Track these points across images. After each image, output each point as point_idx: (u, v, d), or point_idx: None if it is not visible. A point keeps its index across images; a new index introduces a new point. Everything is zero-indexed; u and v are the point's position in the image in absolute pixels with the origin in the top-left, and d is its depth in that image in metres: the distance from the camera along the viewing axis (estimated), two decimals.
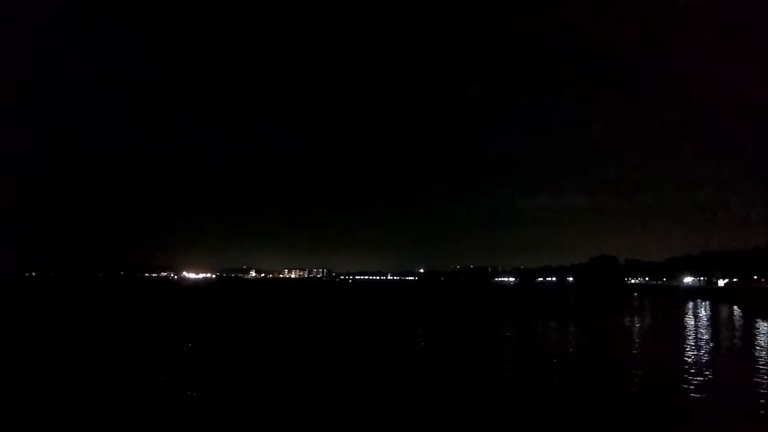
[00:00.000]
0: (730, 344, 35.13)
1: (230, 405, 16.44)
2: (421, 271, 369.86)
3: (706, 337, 37.36)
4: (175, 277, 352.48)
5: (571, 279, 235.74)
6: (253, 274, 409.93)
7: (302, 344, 31.23)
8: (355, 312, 61.69)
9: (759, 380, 20.93)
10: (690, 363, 24.88)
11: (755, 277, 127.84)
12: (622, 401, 17.92)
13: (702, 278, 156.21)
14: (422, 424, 14.94)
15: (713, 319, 55.96)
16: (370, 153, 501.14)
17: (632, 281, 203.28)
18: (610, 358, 28.31)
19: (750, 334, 40.80)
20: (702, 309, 72.03)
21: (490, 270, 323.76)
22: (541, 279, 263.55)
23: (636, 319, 55.32)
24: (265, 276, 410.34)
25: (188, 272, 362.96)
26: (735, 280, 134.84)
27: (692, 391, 18.93)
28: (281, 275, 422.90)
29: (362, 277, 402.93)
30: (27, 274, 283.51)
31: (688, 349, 30.04)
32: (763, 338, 37.18)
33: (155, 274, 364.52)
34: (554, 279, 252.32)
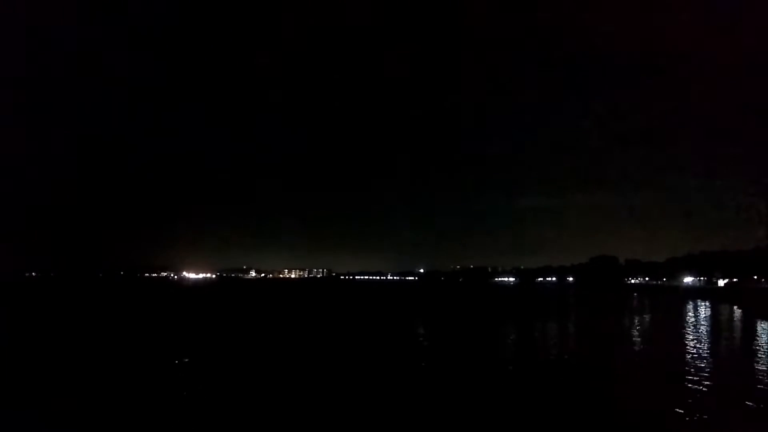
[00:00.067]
0: (730, 344, 35.13)
1: (230, 404, 16.44)
2: (421, 271, 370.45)
3: (706, 337, 37.35)
4: (175, 277, 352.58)
5: (571, 279, 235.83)
6: (253, 274, 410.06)
7: (303, 344, 31.21)
8: (356, 312, 61.67)
9: (759, 380, 20.93)
10: (690, 363, 24.87)
11: (755, 277, 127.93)
12: (622, 401, 17.92)
13: (702, 278, 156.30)
14: (423, 424, 14.94)
15: (713, 319, 55.95)
16: (370, 153, 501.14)
17: (632, 281, 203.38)
18: (610, 358, 28.31)
19: (750, 334, 40.80)
20: (702, 309, 72.02)
21: (490, 270, 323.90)
22: (541, 279, 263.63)
23: (636, 319, 55.31)
24: (265, 276, 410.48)
25: (188, 272, 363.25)
26: (735, 280, 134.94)
27: (692, 391, 18.93)
28: (281, 275, 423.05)
29: (362, 277, 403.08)
30: (27, 274, 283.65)
31: (688, 349, 30.04)
32: (763, 338, 37.18)
33: (155, 274, 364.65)
34: (554, 279, 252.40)
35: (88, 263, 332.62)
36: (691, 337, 36.71)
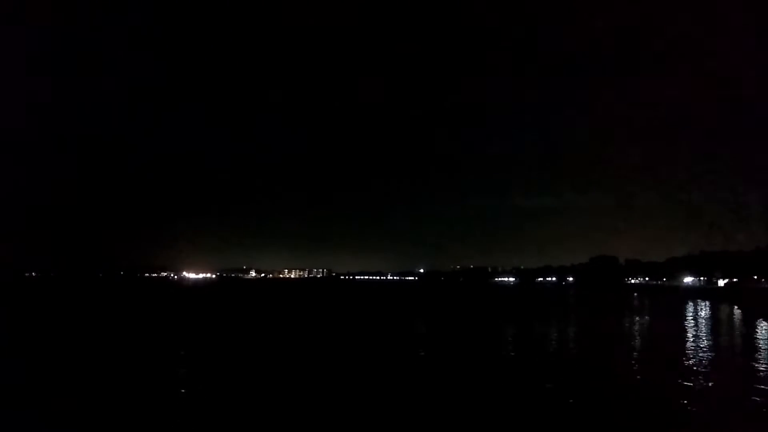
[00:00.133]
0: (730, 344, 35.12)
1: (230, 405, 16.44)
2: (421, 271, 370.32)
3: (706, 337, 37.34)
4: (175, 277, 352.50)
5: (571, 279, 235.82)
6: (253, 274, 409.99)
7: (303, 344, 31.21)
8: (356, 312, 61.67)
9: (759, 380, 20.93)
10: (690, 363, 24.87)
11: (755, 277, 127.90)
12: (621, 401, 17.91)
13: (702, 278, 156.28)
14: (423, 424, 14.94)
15: (713, 319, 55.95)
16: (370, 153, 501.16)
17: (632, 281, 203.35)
18: (610, 358, 28.30)
19: (750, 334, 40.80)
20: (702, 309, 72.02)
21: (490, 270, 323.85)
22: (541, 279, 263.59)
23: (636, 319, 55.31)
24: (265, 276, 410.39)
25: (188, 272, 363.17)
26: (735, 280, 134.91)
27: (692, 391, 18.92)
28: (281, 275, 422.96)
29: (362, 277, 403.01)
30: (27, 274, 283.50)
31: (687, 349, 30.04)
32: (763, 338, 37.17)
33: (155, 274, 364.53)
34: (554, 279, 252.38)
35: (88, 263, 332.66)
36: (691, 337, 36.71)
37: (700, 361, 25.64)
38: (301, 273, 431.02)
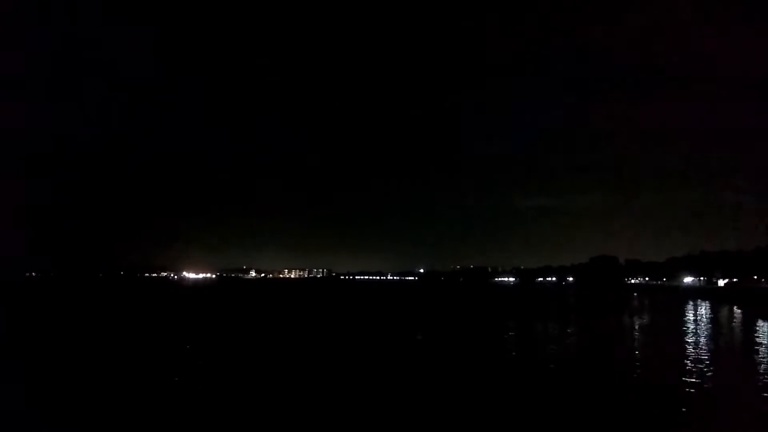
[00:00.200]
0: (730, 344, 35.13)
1: (230, 405, 16.44)
2: (421, 271, 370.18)
3: (705, 337, 37.35)
4: (175, 277, 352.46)
5: (571, 279, 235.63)
6: (253, 274, 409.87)
7: (303, 345, 31.21)
8: (356, 312, 61.66)
9: (759, 380, 20.93)
10: (690, 363, 24.86)
11: (755, 277, 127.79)
12: (622, 401, 17.91)
13: (702, 278, 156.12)
14: (423, 424, 14.93)
15: (713, 319, 55.95)
16: (370, 153, 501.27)
17: (632, 281, 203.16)
18: (610, 358, 28.31)
19: (750, 334, 40.80)
20: (702, 309, 72.01)
21: (490, 270, 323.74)
22: (541, 279, 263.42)
23: (636, 319, 55.31)
24: (265, 276, 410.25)
25: (188, 272, 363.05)
26: (735, 280, 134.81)
27: (692, 391, 18.92)
28: (281, 275, 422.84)
29: (362, 277, 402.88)
30: (27, 274, 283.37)
31: (688, 349, 30.03)
32: (763, 338, 37.16)
33: (155, 274, 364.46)
34: (554, 279, 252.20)
35: (88, 263, 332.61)
36: (691, 337, 36.71)
37: (700, 361, 25.63)
38: (301, 273, 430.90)
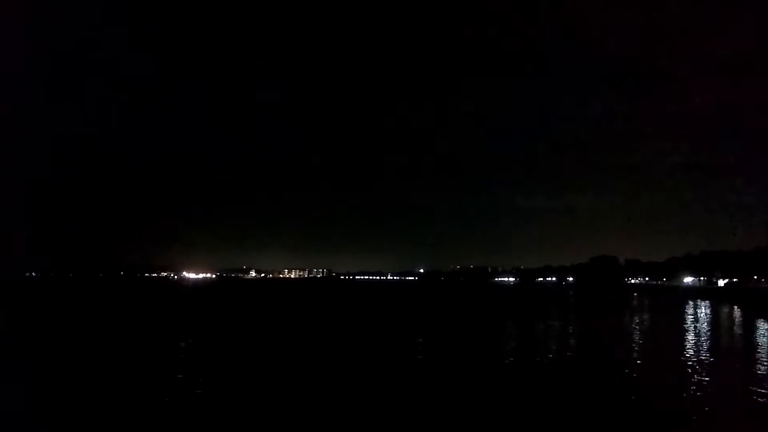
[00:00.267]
0: (730, 344, 35.12)
1: (230, 405, 16.44)
2: (421, 271, 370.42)
3: (705, 337, 37.35)
4: (175, 277, 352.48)
5: (571, 279, 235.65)
6: (253, 274, 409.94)
7: (303, 345, 31.21)
8: (356, 312, 61.66)
9: (759, 380, 20.93)
10: (690, 363, 24.87)
11: (755, 277, 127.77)
12: (622, 401, 17.91)
13: (702, 278, 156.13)
14: (423, 425, 14.93)
15: (713, 319, 55.96)
16: (370, 153, 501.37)
17: (632, 281, 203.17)
18: (610, 358, 28.30)
19: (750, 334, 40.81)
20: (702, 309, 72.02)
21: (490, 270, 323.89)
22: (541, 279, 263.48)
23: (636, 319, 55.31)
24: (265, 276, 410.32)
25: (188, 272, 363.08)
26: (735, 280, 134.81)
27: (692, 391, 18.93)
28: (281, 275, 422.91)
29: (362, 277, 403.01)
30: (27, 274, 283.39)
31: (688, 349, 30.03)
32: (763, 338, 37.16)
33: (155, 274, 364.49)
34: (554, 279, 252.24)
35: (88, 263, 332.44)
36: (691, 337, 36.71)
37: (700, 361, 25.64)
38: (301, 273, 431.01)
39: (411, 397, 17.71)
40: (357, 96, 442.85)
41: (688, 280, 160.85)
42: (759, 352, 29.06)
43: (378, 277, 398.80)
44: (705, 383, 20.28)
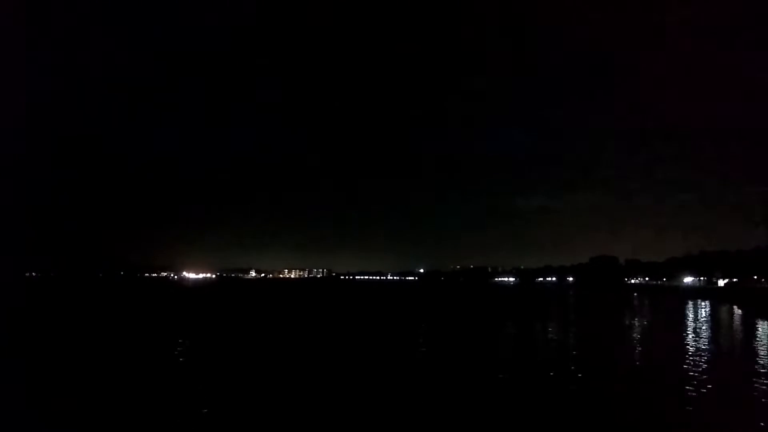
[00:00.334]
0: (730, 344, 35.11)
1: (230, 404, 16.44)
2: (421, 271, 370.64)
3: (706, 337, 37.34)
4: (175, 277, 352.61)
5: (571, 279, 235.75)
6: (253, 274, 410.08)
7: (303, 345, 31.21)
8: (356, 312, 61.66)
9: (759, 380, 20.92)
10: (690, 363, 24.86)
11: (755, 277, 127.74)
12: (622, 401, 17.91)
13: (702, 278, 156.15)
14: (423, 425, 14.94)
15: (713, 319, 55.95)
16: (370, 153, 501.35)
17: (632, 281, 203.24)
18: (610, 358, 28.29)
19: (750, 334, 40.80)
20: (702, 309, 72.02)
21: (490, 270, 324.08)
22: (541, 279, 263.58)
23: (636, 319, 55.30)
24: (265, 276, 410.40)
25: (188, 272, 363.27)
26: (735, 280, 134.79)
27: (692, 391, 18.92)
28: (281, 275, 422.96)
29: (362, 277, 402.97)
30: (27, 274, 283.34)
31: (688, 349, 30.02)
32: (763, 338, 37.16)
33: (155, 274, 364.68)
34: (554, 279, 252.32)
35: (88, 263, 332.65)
36: (691, 337, 36.70)
37: (700, 361, 25.63)
38: (301, 273, 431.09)
39: (411, 398, 17.70)
40: (357, 96, 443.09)
41: (688, 280, 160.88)
42: (759, 352, 29.05)
43: (378, 277, 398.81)
44: (705, 383, 20.26)
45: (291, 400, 17.29)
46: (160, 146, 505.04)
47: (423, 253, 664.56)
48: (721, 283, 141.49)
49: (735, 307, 75.21)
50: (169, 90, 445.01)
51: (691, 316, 58.90)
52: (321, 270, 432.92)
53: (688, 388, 19.37)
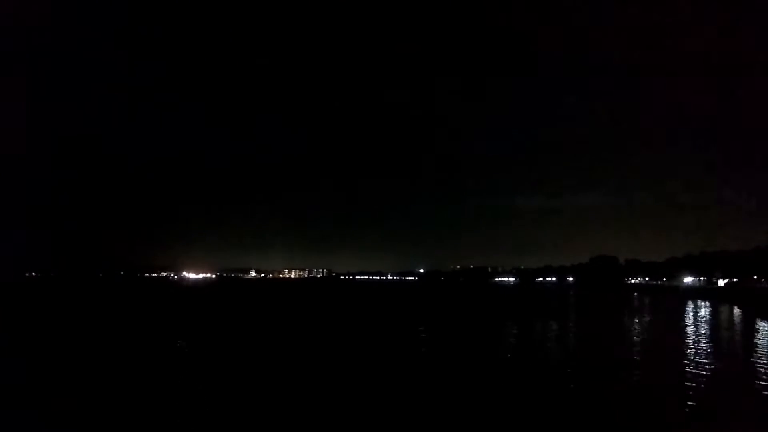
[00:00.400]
0: (730, 344, 35.10)
1: (230, 404, 16.44)
2: (421, 271, 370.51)
3: (706, 337, 37.33)
4: (175, 277, 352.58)
5: (571, 279, 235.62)
6: (253, 274, 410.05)
7: (303, 345, 31.21)
8: (356, 312, 61.66)
9: (759, 380, 20.93)
10: (690, 363, 24.86)
11: (755, 277, 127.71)
12: (622, 401, 17.91)
13: (702, 278, 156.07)
14: (423, 425, 14.93)
15: (713, 319, 55.94)
16: (369, 153, 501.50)
17: (632, 281, 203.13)
18: (610, 358, 28.29)
19: (750, 334, 40.79)
20: (702, 309, 72.01)
21: (490, 270, 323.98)
22: (541, 279, 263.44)
23: (636, 319, 55.30)
24: (265, 276, 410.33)
25: (188, 272, 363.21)
26: (735, 280, 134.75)
27: (692, 391, 18.92)
28: (281, 275, 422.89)
29: (362, 277, 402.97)
30: (27, 274, 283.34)
31: (688, 349, 30.03)
32: (763, 338, 37.16)
33: (155, 274, 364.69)
34: (554, 279, 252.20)
35: (88, 263, 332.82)
36: (690, 337, 36.70)
37: (700, 361, 25.62)
38: (301, 273, 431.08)
39: (411, 398, 17.70)
40: (357, 96, 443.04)
41: (688, 280, 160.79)
42: (759, 352, 29.05)
43: (378, 277, 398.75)
44: (705, 383, 20.27)
45: (291, 400, 17.30)
46: (160, 146, 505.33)
47: (423, 253, 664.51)
48: (721, 283, 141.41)
49: (735, 307, 75.19)
50: (169, 90, 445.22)
51: (691, 316, 58.90)
52: (321, 270, 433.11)
53: (688, 387, 19.37)
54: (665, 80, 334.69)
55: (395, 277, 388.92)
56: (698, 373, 22.14)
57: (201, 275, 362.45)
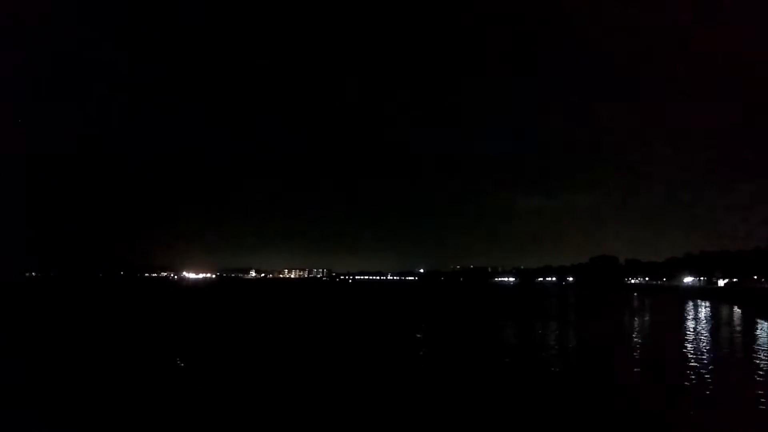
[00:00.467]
0: (730, 344, 35.10)
1: (230, 405, 16.44)
2: (421, 271, 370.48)
3: (706, 337, 37.34)
4: (175, 277, 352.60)
5: (571, 279, 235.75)
6: (253, 274, 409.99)
7: (303, 345, 31.22)
8: (356, 312, 61.67)
9: (759, 380, 20.94)
10: (690, 363, 24.86)
11: (755, 277, 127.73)
12: (622, 402, 17.92)
13: (702, 278, 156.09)
14: (423, 425, 14.94)
15: (713, 319, 55.94)
16: (369, 153, 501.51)
17: (632, 281, 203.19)
18: (610, 358, 28.31)
19: (750, 334, 40.79)
20: (702, 309, 72.02)
21: (490, 270, 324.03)
22: (541, 279, 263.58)
23: (636, 319, 55.30)
24: (265, 276, 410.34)
25: (188, 272, 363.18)
26: (735, 280, 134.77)
27: (692, 391, 18.93)
28: (281, 275, 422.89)
29: (362, 277, 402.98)
30: (27, 274, 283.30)
31: (687, 349, 30.03)
32: (763, 338, 37.16)
33: (155, 274, 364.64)
34: (554, 279, 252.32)
35: (88, 263, 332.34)
36: (690, 337, 36.70)
37: (700, 361, 25.63)
38: (301, 273, 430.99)
39: (411, 398, 17.70)
40: (357, 96, 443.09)
41: (688, 280, 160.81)
42: (759, 352, 29.06)
43: (378, 277, 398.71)
44: (705, 383, 20.27)
45: (291, 400, 17.31)
46: (160, 146, 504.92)
47: (423, 253, 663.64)
48: (721, 283, 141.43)
49: (735, 307, 75.18)
50: (169, 90, 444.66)
51: (691, 316, 58.90)
52: (321, 270, 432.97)
53: (687, 387, 19.38)
54: (665, 80, 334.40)
55: (395, 277, 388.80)
56: (698, 373, 22.13)
57: (201, 275, 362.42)
